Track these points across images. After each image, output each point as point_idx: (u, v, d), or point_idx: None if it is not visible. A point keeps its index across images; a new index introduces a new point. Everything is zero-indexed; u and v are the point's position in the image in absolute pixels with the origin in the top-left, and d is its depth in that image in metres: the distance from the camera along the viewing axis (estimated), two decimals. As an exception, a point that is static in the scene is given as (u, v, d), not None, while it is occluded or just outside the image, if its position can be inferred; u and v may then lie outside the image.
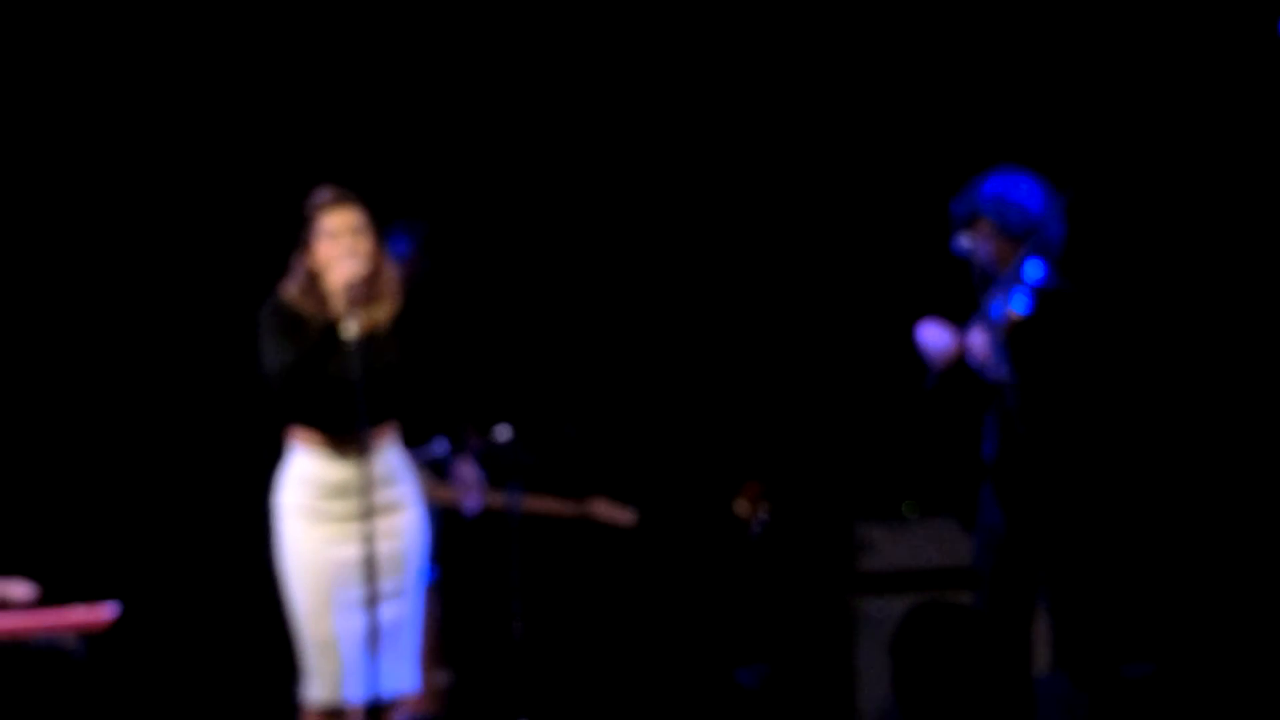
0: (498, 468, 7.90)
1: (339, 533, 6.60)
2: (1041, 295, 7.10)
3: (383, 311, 6.66)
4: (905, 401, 8.10)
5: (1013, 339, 7.11)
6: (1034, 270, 7.09)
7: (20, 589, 7.16)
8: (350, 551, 6.55)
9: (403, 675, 6.69)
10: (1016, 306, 7.04)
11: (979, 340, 7.14)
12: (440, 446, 7.90)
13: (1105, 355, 7.28)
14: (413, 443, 7.33)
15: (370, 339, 6.60)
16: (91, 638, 7.17)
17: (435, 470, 7.94)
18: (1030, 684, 7.19)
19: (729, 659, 8.90)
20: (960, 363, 7.21)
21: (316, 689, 6.61)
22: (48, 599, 7.26)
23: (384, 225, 6.86)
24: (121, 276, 8.92)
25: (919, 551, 8.64)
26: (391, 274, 6.78)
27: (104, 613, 7.07)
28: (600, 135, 9.49)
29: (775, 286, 9.41)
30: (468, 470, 7.62)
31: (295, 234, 6.72)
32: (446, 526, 8.06)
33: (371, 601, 6.48)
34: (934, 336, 7.30)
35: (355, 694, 6.56)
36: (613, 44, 9.45)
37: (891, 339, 8.09)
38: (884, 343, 8.43)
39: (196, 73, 9.07)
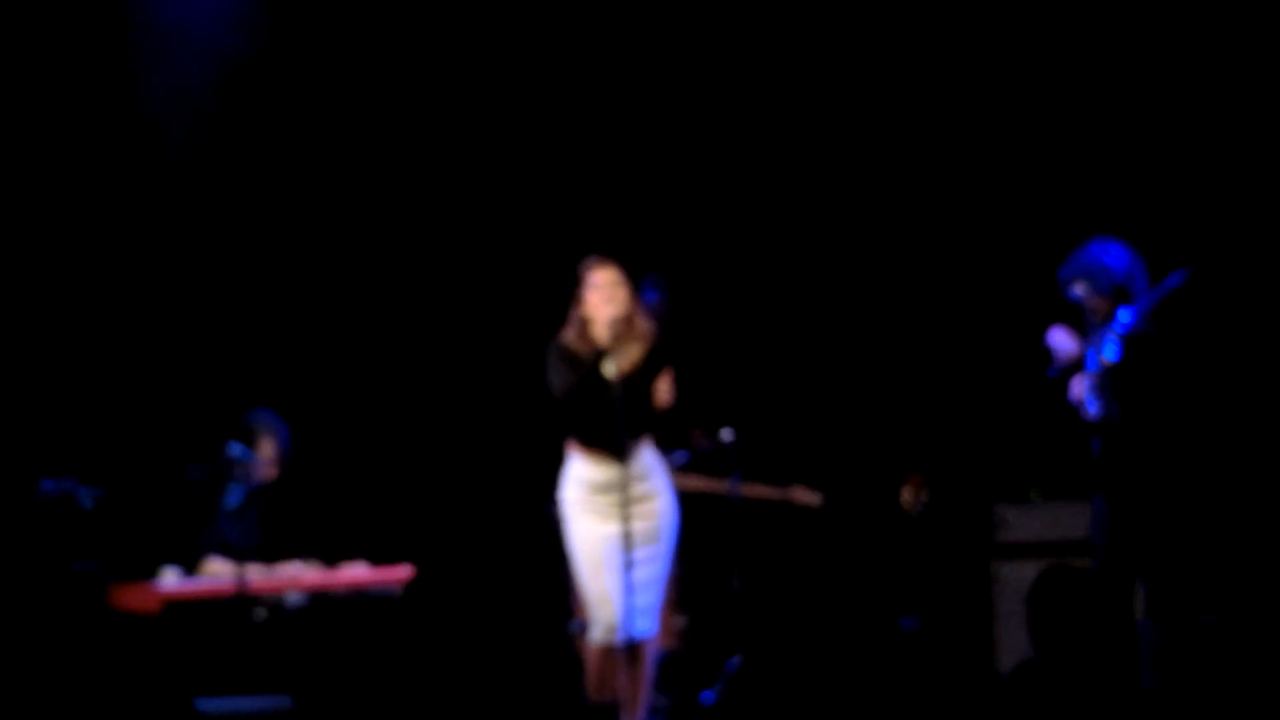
0: (722, 462, 8.71)
1: (605, 517, 7.53)
2: (1129, 339, 7.78)
3: (638, 351, 7.57)
4: (1032, 404, 8.63)
5: (1107, 381, 7.78)
6: (1123, 318, 7.78)
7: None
8: (614, 530, 7.48)
9: (650, 621, 7.57)
10: (1108, 354, 7.76)
11: (1076, 385, 7.89)
12: (680, 456, 8.66)
13: (1184, 381, 7.89)
14: (662, 447, 8.19)
15: (628, 373, 7.49)
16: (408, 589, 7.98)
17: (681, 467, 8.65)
18: (1134, 628, 7.79)
19: (895, 609, 9.52)
20: (1076, 365, 7.81)
21: (598, 632, 7.54)
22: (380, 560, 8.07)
23: (637, 280, 7.72)
24: (462, 327, 9.75)
25: (1044, 527, 9.14)
26: (644, 321, 7.63)
27: (402, 572, 7.96)
28: (778, 179, 10.02)
29: (939, 323, 9.94)
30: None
31: (572, 292, 7.66)
32: (686, 507, 8.50)
33: (629, 566, 7.39)
34: (1060, 339, 7.97)
35: (624, 636, 7.47)
36: (779, 106, 9.99)
37: (1027, 365, 8.73)
38: (1022, 369, 8.85)
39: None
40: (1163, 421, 7.84)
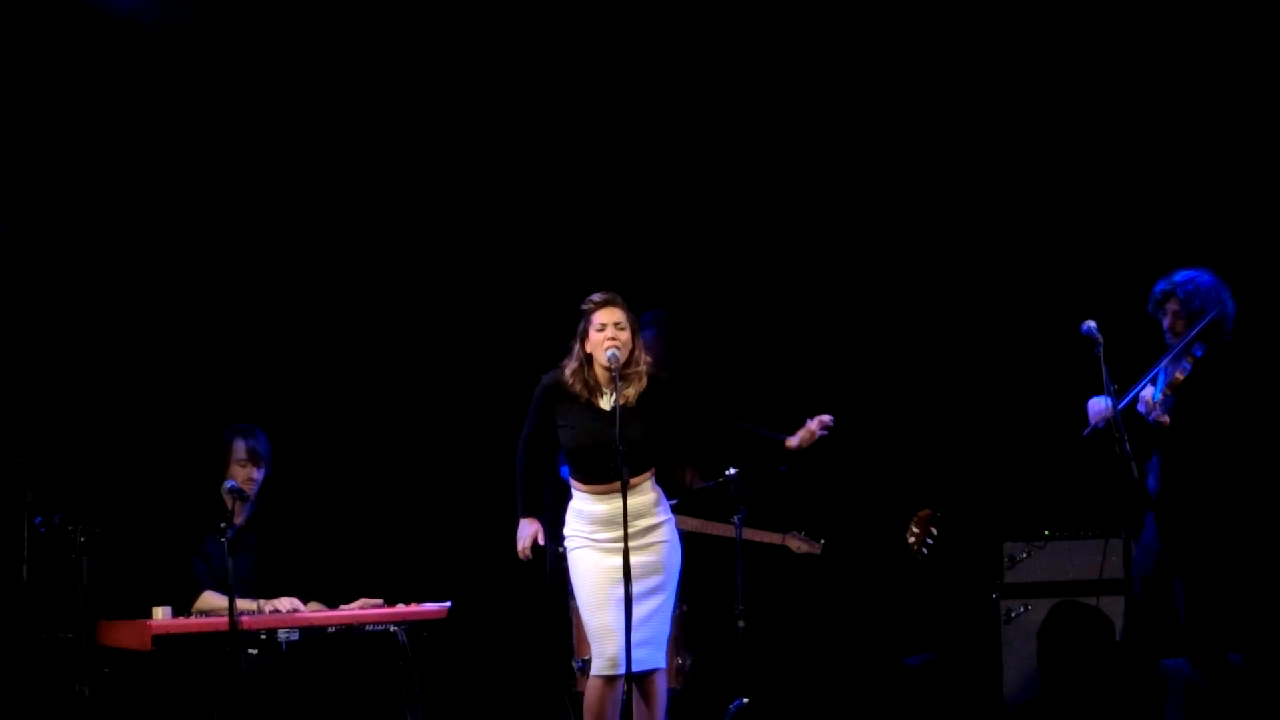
0: (726, 502, 8.64)
1: (608, 552, 7.59)
2: (1198, 364, 8.00)
3: (634, 389, 7.63)
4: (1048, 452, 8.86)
5: (1176, 398, 7.97)
6: (1198, 349, 8.05)
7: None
8: (616, 563, 7.47)
9: (659, 653, 7.62)
10: (1180, 372, 7.97)
11: (1095, 407, 8.00)
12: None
13: (1248, 411, 8.10)
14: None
15: (624, 409, 7.50)
16: (425, 626, 8.08)
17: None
18: (1158, 666, 7.97)
19: (901, 648, 9.62)
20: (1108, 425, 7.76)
21: (600, 666, 7.55)
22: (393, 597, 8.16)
23: (637, 316, 7.78)
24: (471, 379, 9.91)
25: (1051, 567, 9.22)
26: (642, 360, 7.70)
27: (438, 609, 8.09)
28: (787, 224, 10.16)
29: (948, 362, 10.03)
30: None
31: (573, 327, 7.71)
32: (689, 548, 8.49)
33: (628, 601, 7.35)
34: (1096, 404, 8.09)
35: (623, 667, 7.46)
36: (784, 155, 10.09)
37: (1034, 411, 9.16)
38: (1029, 415, 9.34)
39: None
40: (1225, 451, 8.04)
